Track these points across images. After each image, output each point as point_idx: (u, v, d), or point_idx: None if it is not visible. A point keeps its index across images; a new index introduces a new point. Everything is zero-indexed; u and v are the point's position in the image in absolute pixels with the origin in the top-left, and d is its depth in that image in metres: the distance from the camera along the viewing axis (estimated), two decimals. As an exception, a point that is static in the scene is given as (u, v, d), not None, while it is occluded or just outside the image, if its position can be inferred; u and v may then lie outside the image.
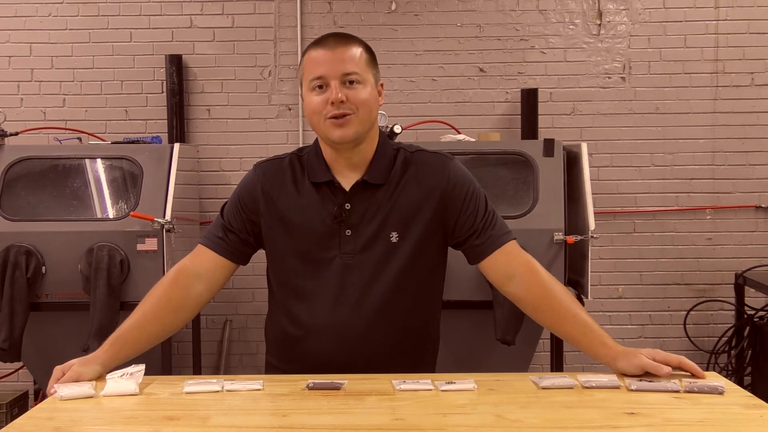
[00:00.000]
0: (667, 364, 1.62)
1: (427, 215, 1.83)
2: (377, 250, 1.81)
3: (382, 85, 1.88)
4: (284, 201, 1.85)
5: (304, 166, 1.88)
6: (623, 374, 1.65)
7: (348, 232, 1.81)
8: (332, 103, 1.75)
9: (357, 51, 1.80)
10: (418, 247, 1.82)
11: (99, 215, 3.51)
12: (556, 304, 1.77)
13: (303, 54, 1.85)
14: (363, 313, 1.81)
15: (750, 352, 3.97)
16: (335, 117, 1.76)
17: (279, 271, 1.89)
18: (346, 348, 1.81)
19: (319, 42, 1.82)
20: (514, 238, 1.86)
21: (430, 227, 1.83)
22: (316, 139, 1.89)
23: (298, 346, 1.86)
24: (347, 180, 1.83)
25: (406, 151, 1.88)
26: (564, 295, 1.79)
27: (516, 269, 1.81)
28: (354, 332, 1.81)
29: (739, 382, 3.86)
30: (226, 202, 1.94)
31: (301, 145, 3.58)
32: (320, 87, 1.77)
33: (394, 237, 1.81)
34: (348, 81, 1.77)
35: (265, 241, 1.89)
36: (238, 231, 1.87)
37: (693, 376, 1.63)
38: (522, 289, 1.81)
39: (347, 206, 1.81)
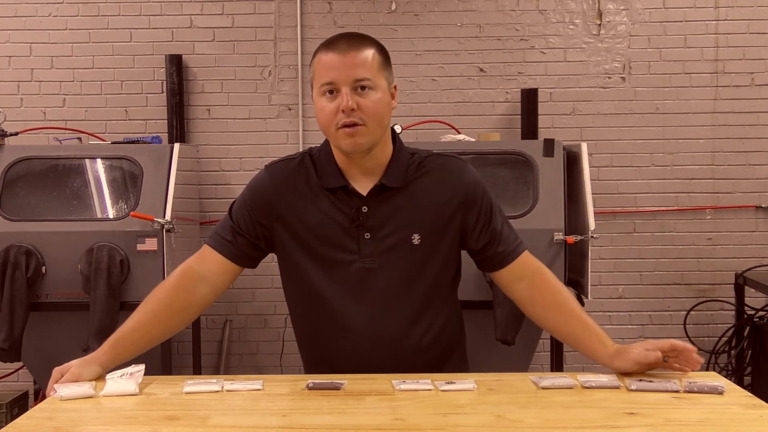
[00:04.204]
0: (660, 351, 1.63)
1: (447, 218, 1.80)
2: (399, 253, 1.77)
3: (395, 87, 1.81)
4: (298, 204, 1.79)
5: (316, 167, 1.81)
6: (621, 373, 1.65)
7: (367, 236, 1.77)
8: (343, 110, 1.69)
9: (369, 54, 1.72)
10: (441, 249, 1.80)
11: (99, 215, 3.51)
12: (564, 303, 1.79)
13: (314, 55, 1.76)
14: (393, 315, 1.79)
15: (750, 352, 3.97)
16: (346, 126, 1.70)
17: (295, 276, 1.83)
18: (375, 351, 1.78)
19: (331, 44, 1.73)
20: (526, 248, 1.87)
21: (450, 230, 1.81)
22: (327, 140, 1.83)
23: (323, 350, 1.84)
24: (362, 185, 1.79)
25: (422, 155, 1.85)
26: (571, 297, 1.82)
27: (528, 272, 1.83)
28: (383, 334, 1.78)
29: (739, 382, 3.86)
30: (234, 201, 1.87)
31: (301, 145, 3.53)
32: (330, 92, 1.71)
33: (416, 239, 1.78)
34: (359, 87, 1.70)
35: (277, 246, 1.83)
36: (248, 234, 1.81)
37: (689, 368, 1.63)
38: (533, 289, 1.82)
39: (364, 209, 1.77)
